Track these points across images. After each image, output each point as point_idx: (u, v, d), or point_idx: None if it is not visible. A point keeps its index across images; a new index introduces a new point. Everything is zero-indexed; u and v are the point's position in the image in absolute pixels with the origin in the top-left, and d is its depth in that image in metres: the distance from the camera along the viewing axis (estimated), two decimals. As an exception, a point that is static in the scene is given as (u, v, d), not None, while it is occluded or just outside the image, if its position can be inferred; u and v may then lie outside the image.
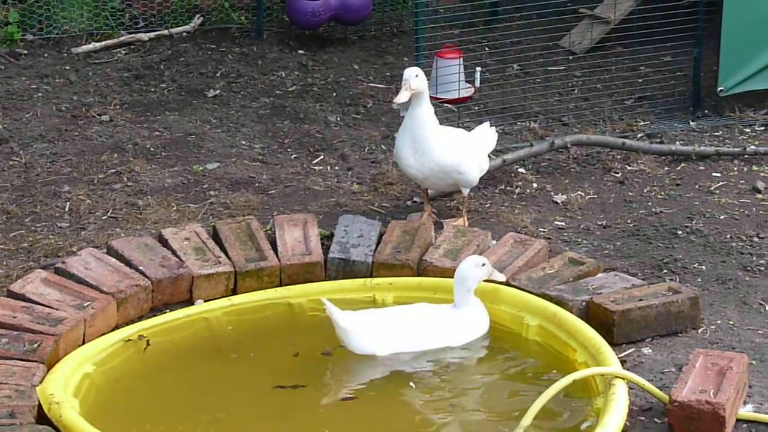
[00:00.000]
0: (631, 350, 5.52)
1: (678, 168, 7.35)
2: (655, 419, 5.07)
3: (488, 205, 6.90)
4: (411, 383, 5.35)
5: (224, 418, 5.15)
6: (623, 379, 5.12)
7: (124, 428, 5.06)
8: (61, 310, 5.57)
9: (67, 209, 6.81)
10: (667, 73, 8.36)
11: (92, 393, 5.27)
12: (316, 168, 7.38)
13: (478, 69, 8.22)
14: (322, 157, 7.52)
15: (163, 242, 6.15)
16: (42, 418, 4.97)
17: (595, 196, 7.04)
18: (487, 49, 8.89)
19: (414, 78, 6.30)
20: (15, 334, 5.38)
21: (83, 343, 5.51)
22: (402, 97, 6.30)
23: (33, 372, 5.16)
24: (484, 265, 5.65)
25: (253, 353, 5.58)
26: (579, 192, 7.07)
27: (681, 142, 7.66)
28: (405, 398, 5.27)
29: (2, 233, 6.54)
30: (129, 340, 5.53)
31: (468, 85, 8.18)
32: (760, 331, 5.68)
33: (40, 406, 5.01)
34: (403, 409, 5.22)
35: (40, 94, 8.31)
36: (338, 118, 8.05)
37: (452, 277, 5.77)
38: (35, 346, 5.32)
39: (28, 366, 5.20)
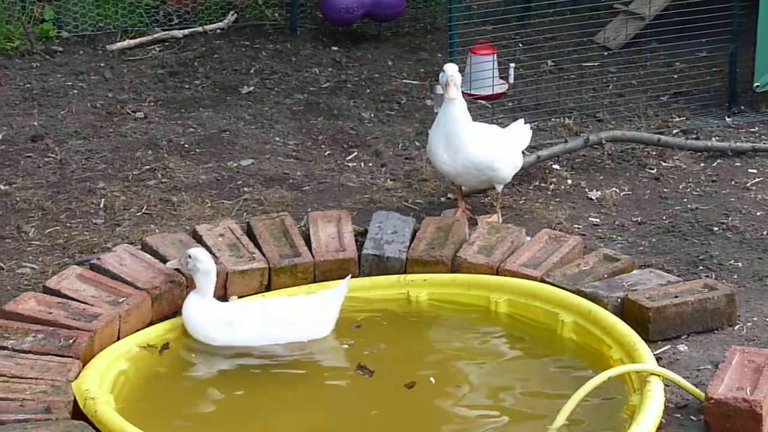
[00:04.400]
0: (666, 347, 5.50)
1: (714, 164, 7.31)
2: (691, 416, 5.04)
3: (522, 201, 6.88)
4: (432, 378, 5.34)
5: (259, 417, 5.15)
6: (659, 376, 5.10)
7: (159, 424, 5.07)
8: (96, 306, 5.59)
9: (102, 206, 6.83)
10: (703, 69, 8.32)
11: (127, 389, 5.29)
12: (349, 164, 7.38)
13: (512, 65, 8.20)
14: (355, 153, 7.52)
15: (198, 238, 6.16)
16: (77, 413, 4.99)
17: (630, 192, 7.01)
18: (521, 45, 8.87)
19: (457, 74, 6.32)
20: (51, 330, 5.40)
21: (118, 338, 5.53)
22: (453, 92, 6.31)
23: (68, 367, 5.19)
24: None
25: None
26: (614, 188, 7.04)
27: (717, 138, 7.61)
28: (434, 395, 5.26)
29: (38, 229, 6.57)
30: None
31: (502, 81, 8.16)
32: (797, 329, 5.65)
33: (75, 401, 5.03)
34: (433, 406, 5.20)
35: (75, 91, 8.34)
36: (372, 115, 8.05)
37: (487, 273, 5.76)
38: (71, 341, 5.34)
39: (64, 362, 5.22)
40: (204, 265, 5.60)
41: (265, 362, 5.47)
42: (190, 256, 5.64)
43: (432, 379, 5.34)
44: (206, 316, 5.57)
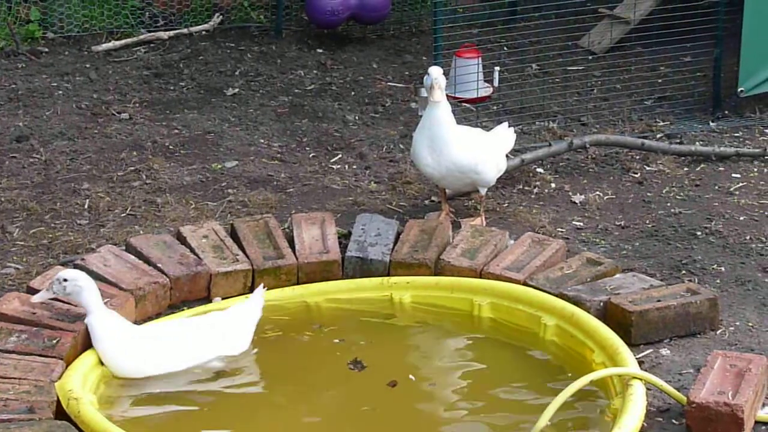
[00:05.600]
0: (649, 351, 5.51)
1: (697, 169, 7.34)
2: (673, 420, 5.06)
3: (506, 204, 6.90)
4: (411, 376, 5.35)
5: (243, 414, 5.16)
6: (641, 379, 5.11)
7: (142, 424, 5.07)
8: (80, 307, 5.58)
9: (86, 206, 6.83)
10: (687, 74, 8.35)
11: (110, 389, 5.29)
12: (334, 167, 7.39)
13: (497, 68, 8.22)
14: (340, 155, 7.52)
15: (182, 240, 6.16)
16: (60, 413, 4.99)
17: (614, 196, 7.03)
18: (505, 48, 8.88)
19: (442, 77, 6.33)
20: (34, 330, 5.40)
21: (102, 339, 5.53)
22: (438, 95, 6.31)
23: (52, 368, 5.18)
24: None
25: (270, 351, 5.59)
26: (597, 192, 7.06)
27: (701, 142, 7.64)
28: (415, 398, 5.27)
29: (22, 230, 6.57)
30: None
31: (486, 84, 8.18)
32: (778, 333, 5.67)
33: (58, 401, 5.03)
34: (414, 409, 5.21)
35: (60, 92, 8.34)
36: (356, 117, 8.06)
37: (470, 276, 5.76)
38: (54, 342, 5.34)
39: (47, 362, 5.22)
40: (84, 281, 5.32)
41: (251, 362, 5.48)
42: (65, 279, 5.32)
43: (412, 377, 5.35)
44: (118, 347, 5.30)
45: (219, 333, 5.43)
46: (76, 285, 5.33)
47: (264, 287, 5.64)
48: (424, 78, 6.43)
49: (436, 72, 6.36)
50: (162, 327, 5.49)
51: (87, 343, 5.43)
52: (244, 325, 5.51)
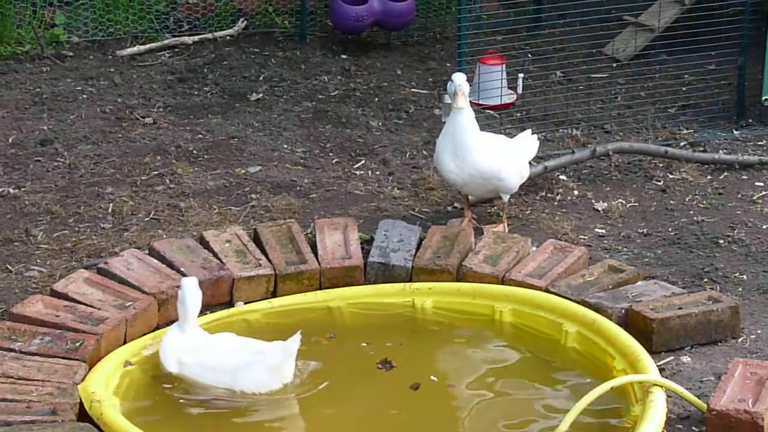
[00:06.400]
0: (669, 358, 5.51)
1: (721, 177, 7.33)
2: (693, 428, 5.06)
3: (529, 211, 6.90)
4: (433, 377, 5.37)
5: (268, 416, 5.18)
6: (661, 386, 5.11)
7: (163, 427, 5.09)
8: (103, 310, 5.62)
9: (110, 210, 6.87)
10: (711, 82, 8.34)
11: (132, 392, 5.32)
12: (357, 172, 7.40)
13: (521, 75, 8.22)
14: (363, 161, 7.54)
15: (205, 244, 6.19)
16: (83, 415, 5.02)
17: (637, 204, 7.03)
18: (530, 55, 8.89)
19: (465, 83, 6.34)
20: (58, 333, 5.43)
21: (125, 342, 5.56)
22: (461, 102, 6.33)
23: (75, 370, 5.21)
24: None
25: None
26: (620, 200, 7.06)
27: (724, 151, 7.63)
28: (440, 400, 5.28)
29: (46, 233, 6.60)
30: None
31: (510, 91, 8.18)
32: (800, 342, 5.66)
33: (81, 403, 5.05)
34: (440, 411, 5.23)
35: (84, 96, 8.38)
36: (380, 123, 8.08)
37: (492, 283, 5.77)
38: (77, 344, 5.37)
39: (70, 364, 5.25)
40: (181, 293, 5.35)
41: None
42: (179, 286, 5.41)
43: (434, 378, 5.37)
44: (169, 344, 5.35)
45: (264, 366, 5.29)
46: (180, 292, 5.34)
47: (300, 332, 5.34)
48: (448, 84, 6.44)
49: (459, 78, 6.37)
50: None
51: (110, 346, 5.46)
52: (286, 364, 5.32)
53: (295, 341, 5.22)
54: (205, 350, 5.33)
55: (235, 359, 5.28)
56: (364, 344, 5.67)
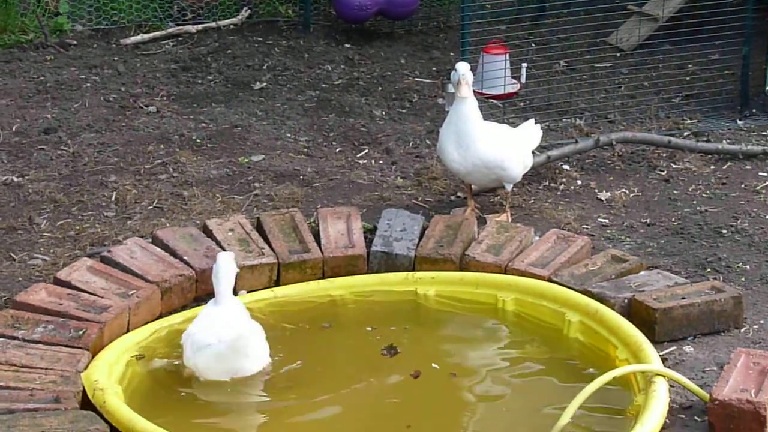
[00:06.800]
0: (672, 348, 5.51)
1: (724, 167, 7.32)
2: (696, 417, 5.06)
3: (532, 201, 6.90)
4: (434, 365, 5.40)
5: (267, 405, 5.19)
6: (664, 376, 5.11)
7: (166, 415, 5.10)
8: (107, 298, 5.63)
9: (113, 199, 6.87)
10: (715, 72, 8.32)
11: (135, 380, 5.32)
12: (360, 161, 7.40)
13: (525, 65, 8.21)
14: (366, 150, 7.54)
15: (208, 233, 6.19)
16: (86, 403, 5.03)
17: (640, 193, 7.03)
18: (533, 45, 8.88)
19: (469, 72, 6.34)
20: (61, 321, 5.44)
21: (128, 330, 5.57)
22: (465, 91, 6.32)
23: (78, 358, 5.22)
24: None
25: (299, 342, 5.62)
26: (623, 189, 7.05)
27: (728, 140, 7.62)
28: (438, 387, 5.29)
29: (50, 221, 6.61)
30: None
31: (514, 81, 8.18)
32: (803, 332, 5.66)
33: (84, 392, 5.06)
34: (440, 402, 5.24)
35: (88, 85, 8.38)
36: (383, 113, 8.07)
37: (495, 272, 5.78)
38: (80, 333, 5.38)
39: (73, 352, 5.26)
40: (215, 267, 5.38)
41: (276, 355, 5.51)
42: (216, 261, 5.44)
43: (435, 365, 5.38)
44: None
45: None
46: (215, 266, 5.35)
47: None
48: (452, 74, 6.44)
49: (463, 68, 6.37)
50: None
51: (113, 334, 5.47)
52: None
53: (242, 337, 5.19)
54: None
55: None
56: (369, 329, 5.68)
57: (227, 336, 5.18)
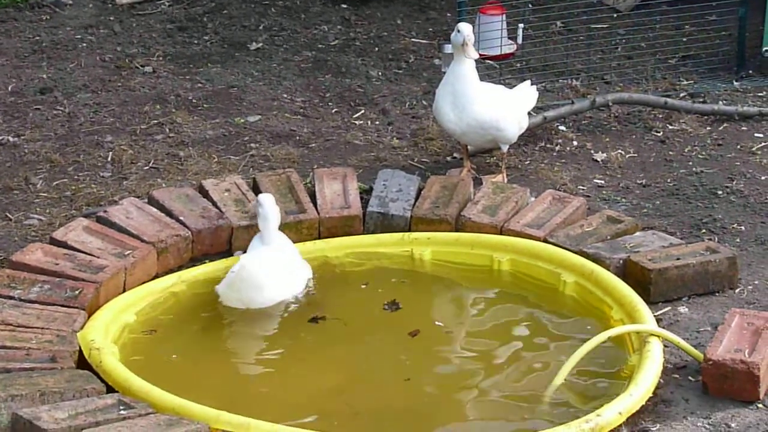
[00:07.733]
0: (667, 309, 5.53)
1: (720, 128, 7.32)
2: (690, 377, 5.08)
3: (528, 162, 6.91)
4: (438, 322, 5.47)
5: (259, 364, 5.22)
6: (658, 336, 5.13)
7: (162, 375, 5.11)
8: (103, 258, 5.64)
9: (109, 159, 6.87)
10: (712, 33, 8.30)
11: (131, 340, 5.34)
12: (356, 122, 7.40)
13: (521, 26, 8.19)
14: (362, 111, 7.53)
15: (204, 193, 6.20)
16: (82, 363, 5.05)
17: (636, 154, 7.03)
18: (530, 5, 8.85)
19: (472, 33, 6.31)
20: (57, 281, 5.45)
21: (124, 290, 5.58)
22: (473, 52, 6.30)
23: (74, 318, 5.24)
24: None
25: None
26: (619, 150, 7.05)
27: (724, 102, 7.61)
28: (437, 349, 5.31)
29: (45, 182, 6.61)
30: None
31: (510, 41, 8.16)
32: (797, 293, 5.68)
33: (80, 351, 5.08)
34: (435, 361, 5.26)
35: (84, 45, 8.36)
36: (380, 73, 8.06)
37: (490, 233, 5.79)
38: (77, 292, 5.39)
39: (70, 312, 5.28)
40: (263, 210, 5.63)
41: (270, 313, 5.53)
42: (257, 201, 5.70)
43: (439, 322, 5.42)
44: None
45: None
46: (258, 209, 5.64)
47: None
48: (453, 35, 6.39)
49: (467, 29, 6.32)
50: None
51: (109, 294, 5.49)
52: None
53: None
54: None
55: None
56: (363, 285, 5.70)
57: (236, 266, 5.41)
